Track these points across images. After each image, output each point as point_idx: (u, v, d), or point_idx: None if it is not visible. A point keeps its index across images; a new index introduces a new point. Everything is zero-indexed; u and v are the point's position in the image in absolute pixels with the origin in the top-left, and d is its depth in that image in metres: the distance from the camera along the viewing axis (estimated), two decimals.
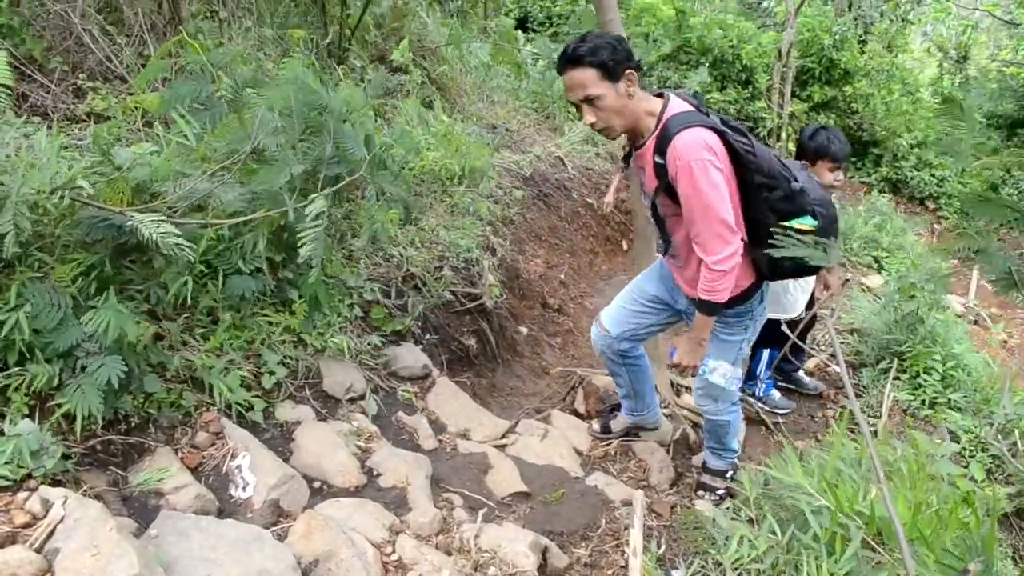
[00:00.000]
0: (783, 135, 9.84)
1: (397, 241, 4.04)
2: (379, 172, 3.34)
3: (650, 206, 2.75)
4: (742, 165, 2.52)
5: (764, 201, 2.58)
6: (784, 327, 3.68)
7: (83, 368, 2.38)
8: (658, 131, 2.51)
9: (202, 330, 2.95)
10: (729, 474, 3.34)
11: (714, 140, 2.44)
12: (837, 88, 10.78)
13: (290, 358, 3.11)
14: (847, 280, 5.88)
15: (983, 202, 1.78)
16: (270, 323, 3.13)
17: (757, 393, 4.20)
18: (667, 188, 2.54)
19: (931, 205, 10.80)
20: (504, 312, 4.52)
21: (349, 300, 3.52)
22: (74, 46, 4.13)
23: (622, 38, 2.54)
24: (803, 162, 3.64)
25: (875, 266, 7.25)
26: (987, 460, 3.82)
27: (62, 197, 2.42)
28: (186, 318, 2.94)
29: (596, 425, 3.71)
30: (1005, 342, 7.15)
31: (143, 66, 4.23)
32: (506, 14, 9.53)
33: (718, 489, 3.31)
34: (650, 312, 3.16)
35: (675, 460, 3.56)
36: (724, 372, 2.98)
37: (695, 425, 3.83)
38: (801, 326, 3.92)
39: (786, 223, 2.59)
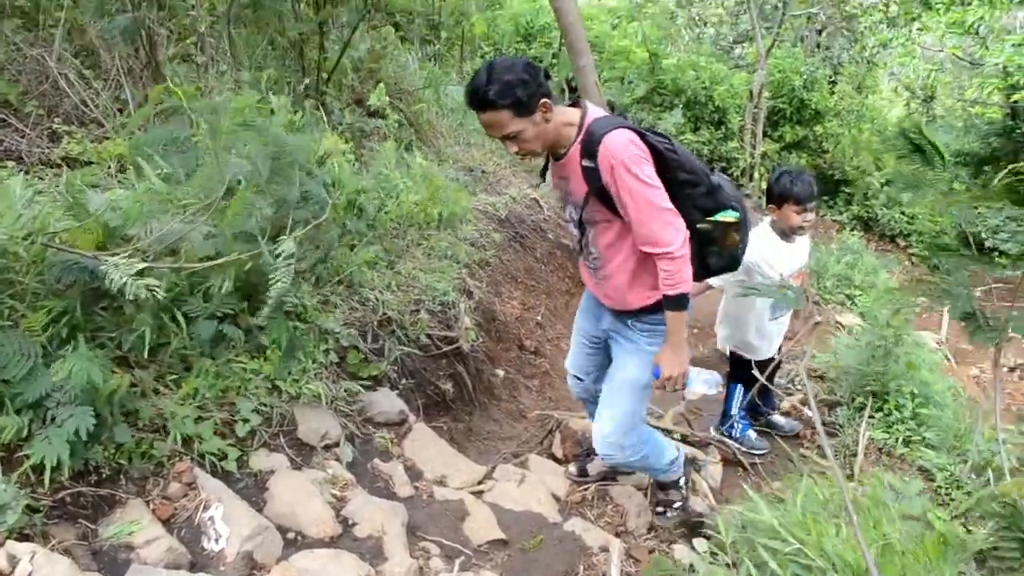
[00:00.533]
0: (756, 175, 10.02)
1: (373, 285, 4.03)
2: (352, 216, 3.36)
3: (575, 214, 2.73)
4: (665, 163, 2.54)
5: (688, 198, 2.61)
6: (755, 370, 3.70)
7: (53, 419, 2.35)
8: (582, 136, 2.52)
9: (174, 377, 2.92)
10: (681, 480, 3.33)
11: (638, 140, 2.48)
12: (808, 128, 11.02)
13: (264, 405, 3.07)
14: (818, 322, 5.94)
15: (945, 250, 1.82)
16: (244, 369, 3.11)
17: (733, 434, 4.20)
18: (599, 192, 2.54)
19: (902, 243, 10.99)
20: (481, 355, 4.51)
21: (324, 345, 3.49)
22: (50, 90, 4.14)
23: (529, 64, 2.46)
24: (771, 206, 3.71)
25: (848, 304, 7.34)
26: (963, 497, 3.83)
27: (33, 243, 2.41)
28: (158, 365, 2.91)
29: (573, 468, 3.70)
30: (976, 377, 7.25)
31: (119, 110, 4.25)
32: (481, 57, 9.65)
33: (674, 502, 3.33)
34: (596, 348, 3.21)
35: (652, 504, 3.55)
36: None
37: None
38: (769, 369, 3.94)
39: (712, 218, 2.66)
